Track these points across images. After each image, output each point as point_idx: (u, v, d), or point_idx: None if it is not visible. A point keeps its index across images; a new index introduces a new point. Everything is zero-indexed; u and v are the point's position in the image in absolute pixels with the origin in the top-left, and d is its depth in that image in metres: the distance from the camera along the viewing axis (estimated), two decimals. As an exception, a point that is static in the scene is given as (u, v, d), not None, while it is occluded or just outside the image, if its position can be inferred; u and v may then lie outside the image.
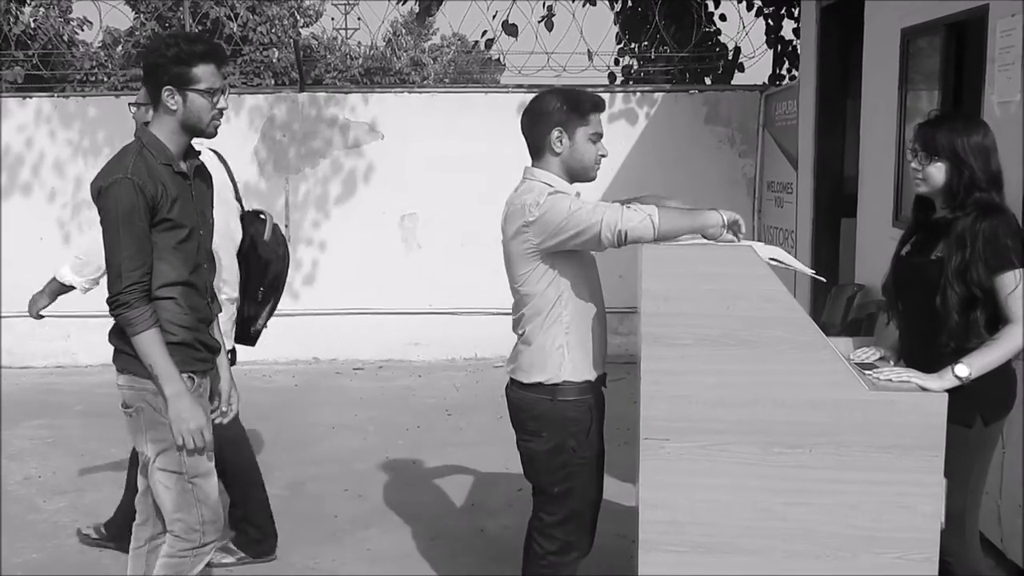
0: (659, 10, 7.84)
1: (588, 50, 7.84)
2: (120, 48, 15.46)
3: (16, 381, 6.85)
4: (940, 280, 2.64)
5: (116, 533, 3.89)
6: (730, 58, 8.53)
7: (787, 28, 8.44)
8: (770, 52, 8.48)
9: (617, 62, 8.86)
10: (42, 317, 3.81)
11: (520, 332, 2.80)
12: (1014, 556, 3.58)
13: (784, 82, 8.25)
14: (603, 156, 2.77)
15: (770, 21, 8.43)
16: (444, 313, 7.47)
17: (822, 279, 3.74)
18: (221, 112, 2.70)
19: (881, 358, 2.89)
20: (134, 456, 3.87)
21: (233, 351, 3.74)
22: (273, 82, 16.24)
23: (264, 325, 3.89)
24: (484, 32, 8.20)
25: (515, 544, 3.20)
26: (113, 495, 4.02)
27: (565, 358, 2.72)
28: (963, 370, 2.52)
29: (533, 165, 2.80)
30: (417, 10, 8.22)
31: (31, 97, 7.49)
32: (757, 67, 9.32)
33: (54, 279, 3.77)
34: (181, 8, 10.05)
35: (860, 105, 5.36)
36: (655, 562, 2.51)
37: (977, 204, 2.64)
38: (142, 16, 15.47)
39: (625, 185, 6.50)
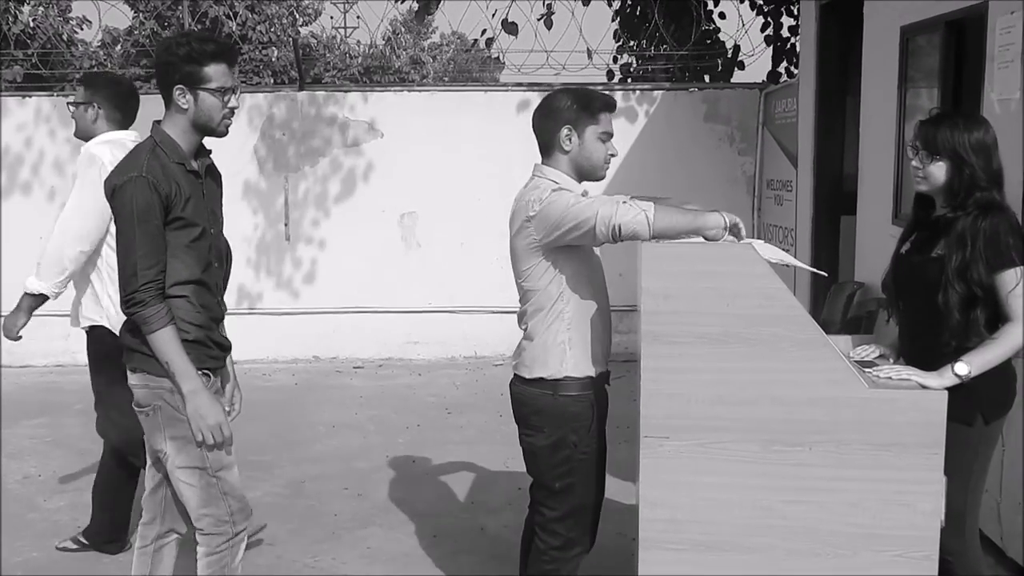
0: (658, 8, 7.84)
1: (587, 48, 7.85)
2: (119, 47, 15.46)
3: (16, 380, 6.85)
4: (940, 278, 2.64)
5: (96, 540, 3.91)
6: (729, 56, 8.53)
7: (785, 26, 8.43)
8: (769, 50, 8.48)
9: (616, 60, 8.86)
10: (20, 338, 3.72)
11: (524, 327, 2.82)
12: (1014, 554, 3.58)
13: (783, 80, 8.25)
14: (612, 156, 2.78)
15: (769, 19, 8.43)
16: (444, 311, 7.47)
17: (823, 274, 3.75)
18: (232, 111, 2.70)
19: (881, 356, 2.89)
20: (103, 462, 3.89)
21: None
22: (272, 81, 16.23)
23: None
24: (483, 31, 8.21)
25: (515, 542, 3.20)
26: (113, 494, 4.01)
27: (567, 354, 2.73)
28: (963, 368, 2.52)
29: (542, 163, 2.81)
30: (416, 8, 8.22)
31: (30, 96, 7.49)
32: (756, 65, 9.33)
33: (25, 294, 3.67)
34: (180, 7, 10.04)
35: (860, 103, 5.36)
36: (655, 560, 2.51)
37: (978, 203, 2.64)
38: (141, 15, 15.45)
39: (625, 184, 6.50)
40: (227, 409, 2.96)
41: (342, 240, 7.48)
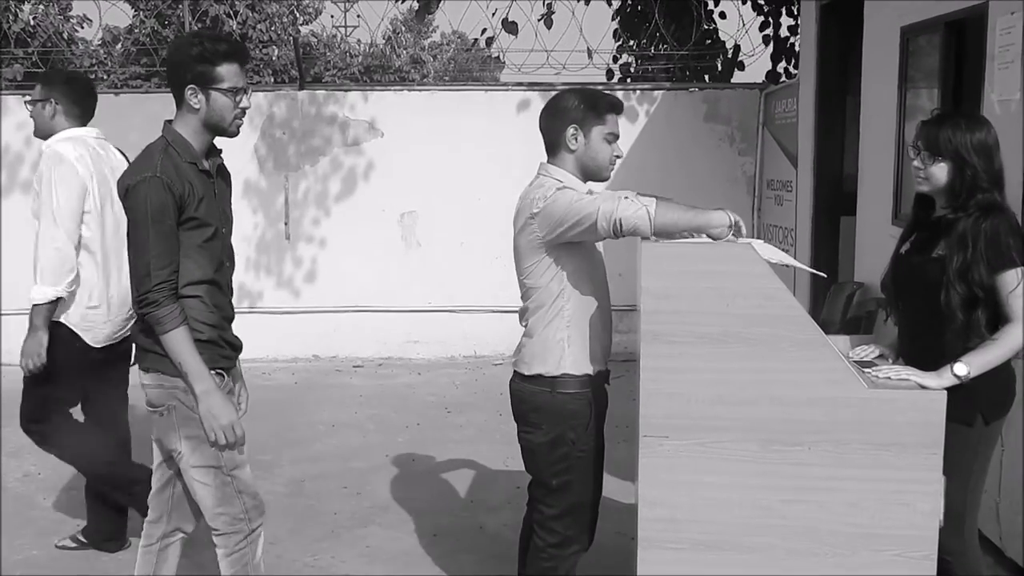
0: (658, 8, 7.84)
1: (588, 48, 7.85)
2: (119, 46, 15.44)
3: (16, 378, 6.83)
4: (940, 279, 2.64)
5: (95, 538, 3.91)
6: (730, 56, 8.53)
7: (785, 26, 8.43)
8: (770, 50, 8.48)
9: (616, 59, 8.86)
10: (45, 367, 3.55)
11: (524, 324, 2.84)
12: (1013, 554, 3.59)
13: (781, 80, 8.25)
14: (618, 157, 2.79)
15: (769, 19, 8.43)
16: (444, 311, 7.48)
17: (823, 275, 3.76)
18: (244, 111, 2.70)
19: (880, 356, 2.89)
20: (94, 462, 3.86)
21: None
22: (272, 80, 16.22)
23: None
24: (484, 30, 8.21)
25: (515, 541, 3.20)
26: (113, 492, 4.02)
27: (566, 351, 2.74)
28: (962, 369, 2.52)
29: (548, 161, 2.82)
30: (416, 7, 8.22)
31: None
32: (757, 65, 9.32)
33: (35, 307, 3.51)
34: (180, 6, 10.04)
35: (860, 103, 5.36)
36: (654, 560, 2.52)
37: (979, 204, 2.63)
38: (141, 14, 15.42)
39: (624, 184, 6.43)
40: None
41: (342, 239, 7.48)
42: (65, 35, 13.26)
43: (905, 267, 2.84)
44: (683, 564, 2.50)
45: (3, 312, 7.03)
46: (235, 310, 2.87)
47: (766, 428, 2.43)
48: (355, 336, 7.48)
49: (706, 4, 8.41)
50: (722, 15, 8.66)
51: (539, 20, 7.97)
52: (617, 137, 2.78)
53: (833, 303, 5.24)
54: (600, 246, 2.84)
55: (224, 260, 2.76)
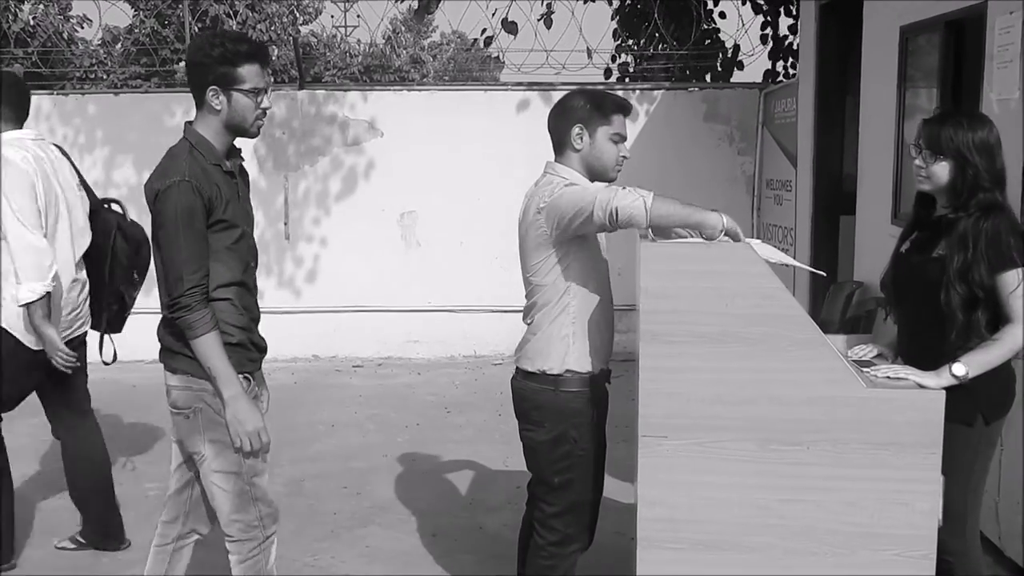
0: (658, 8, 7.84)
1: (587, 48, 7.85)
2: (119, 46, 15.45)
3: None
4: (940, 278, 2.63)
5: (92, 538, 3.92)
6: (729, 56, 8.53)
7: (783, 25, 8.44)
8: (768, 49, 8.48)
9: (614, 59, 8.86)
10: (75, 356, 3.53)
11: (528, 321, 2.84)
12: (1012, 554, 3.59)
13: (779, 79, 8.26)
14: (625, 158, 2.79)
15: (768, 18, 8.43)
16: (443, 311, 7.48)
17: (822, 273, 3.76)
18: (265, 112, 2.69)
19: (878, 355, 2.89)
20: (65, 467, 3.88)
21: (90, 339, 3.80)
22: (272, 79, 16.21)
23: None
24: (484, 30, 8.21)
25: (514, 540, 3.21)
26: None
27: (570, 348, 2.75)
28: (960, 369, 2.52)
29: (555, 160, 2.83)
30: (416, 7, 8.22)
31: (30, 94, 7.47)
32: (756, 65, 9.32)
33: (29, 308, 3.40)
34: (180, 5, 10.04)
35: (859, 103, 5.36)
36: (654, 560, 2.52)
37: (980, 204, 2.62)
38: (141, 13, 15.43)
39: (623, 182, 6.49)
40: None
41: (342, 239, 7.48)
42: (65, 35, 13.27)
43: (905, 266, 2.83)
44: (682, 564, 2.50)
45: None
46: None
47: (765, 428, 2.43)
48: (355, 336, 7.49)
49: (706, 4, 8.41)
50: (722, 15, 8.66)
51: (539, 20, 7.98)
52: (624, 138, 2.79)
53: (832, 303, 5.24)
54: (603, 244, 2.84)
55: (250, 260, 2.76)
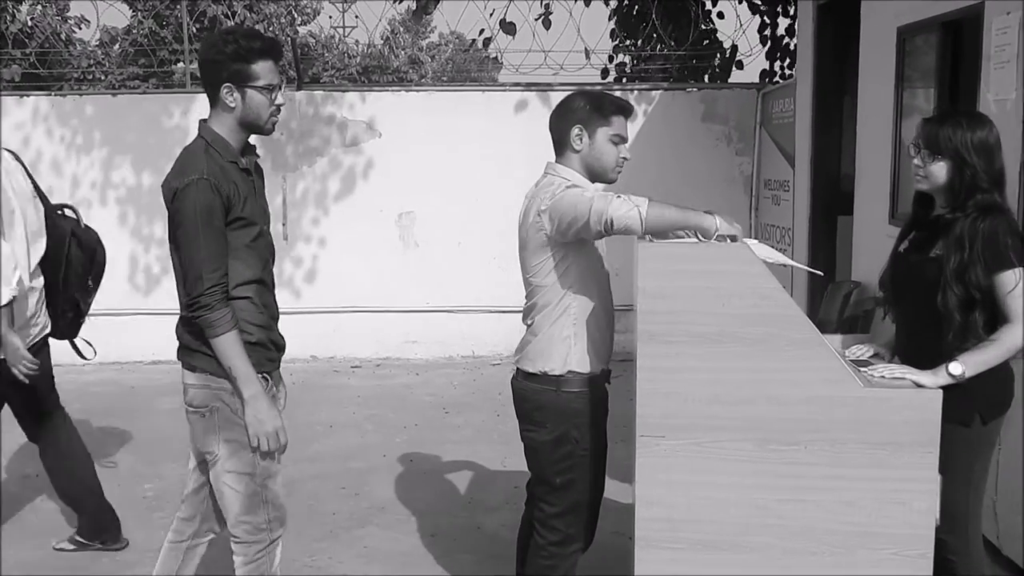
0: (656, 8, 7.84)
1: (585, 48, 7.85)
2: (117, 47, 15.44)
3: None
4: (937, 278, 2.63)
5: (90, 536, 3.91)
6: (727, 56, 8.54)
7: (781, 26, 8.44)
8: (765, 49, 8.49)
9: (611, 59, 8.87)
10: (36, 363, 3.51)
11: (529, 322, 2.85)
12: (1009, 553, 3.59)
13: (776, 79, 8.26)
14: (625, 159, 2.80)
15: (766, 19, 8.44)
16: (442, 311, 7.48)
17: (819, 273, 3.76)
18: (279, 108, 2.68)
19: (875, 355, 2.89)
20: (45, 467, 3.88)
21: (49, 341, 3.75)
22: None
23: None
24: (482, 30, 8.21)
25: (513, 541, 3.21)
26: (109, 493, 4.02)
27: (571, 349, 2.75)
28: (957, 368, 2.52)
29: (556, 161, 2.84)
30: (414, 8, 8.22)
31: (28, 95, 7.49)
32: (754, 65, 9.33)
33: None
34: (179, 6, 10.03)
35: (857, 103, 5.37)
36: (652, 559, 2.52)
37: (978, 205, 2.61)
38: (139, 14, 15.42)
39: (622, 182, 6.50)
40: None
41: (340, 240, 7.48)
42: (63, 36, 13.26)
43: (904, 265, 2.83)
44: (680, 564, 2.50)
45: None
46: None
47: (763, 427, 2.43)
48: (353, 336, 7.48)
49: (704, 4, 8.42)
50: (720, 15, 8.67)
51: (536, 20, 7.98)
52: (624, 139, 2.79)
53: (830, 302, 5.25)
54: (602, 245, 2.85)
55: (268, 258, 2.75)
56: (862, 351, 2.91)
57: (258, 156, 2.81)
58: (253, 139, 2.79)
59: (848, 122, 5.70)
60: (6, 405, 3.77)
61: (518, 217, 2.86)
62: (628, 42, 8.91)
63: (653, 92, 7.53)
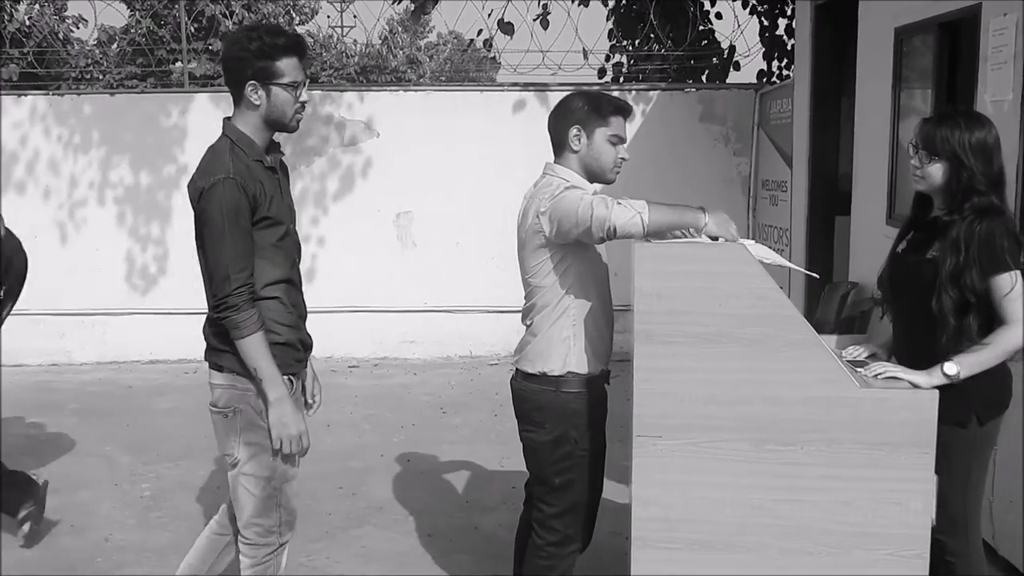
0: (654, 8, 7.84)
1: (583, 48, 7.86)
2: (115, 46, 15.42)
3: (11, 379, 6.84)
4: (934, 279, 2.62)
5: (14, 508, 3.87)
6: (725, 56, 8.54)
7: (780, 26, 8.45)
8: (764, 50, 8.50)
9: (608, 59, 8.87)
10: None
11: (528, 323, 2.85)
12: (1006, 553, 3.60)
13: (773, 80, 8.27)
14: (623, 159, 2.80)
15: (763, 19, 8.45)
16: (439, 311, 7.48)
17: (815, 275, 3.76)
18: (303, 105, 2.64)
19: (872, 355, 2.89)
20: None
21: None
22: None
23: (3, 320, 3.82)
24: (480, 30, 8.22)
25: (510, 541, 3.21)
26: (109, 493, 4.02)
27: (570, 350, 2.76)
28: (952, 368, 2.52)
29: (554, 161, 2.84)
30: (412, 7, 8.22)
31: (26, 95, 7.48)
32: (752, 65, 9.33)
33: None
34: (177, 6, 10.02)
35: (854, 104, 5.37)
36: (648, 559, 2.52)
37: (975, 208, 2.60)
38: (137, 14, 15.41)
39: (620, 182, 6.50)
40: (310, 402, 2.98)
41: (338, 240, 7.48)
42: (61, 35, 13.24)
43: (901, 266, 2.83)
44: (677, 564, 2.50)
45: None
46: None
47: (759, 428, 2.44)
48: (351, 336, 7.48)
49: (701, 4, 8.42)
50: (718, 15, 8.67)
51: (535, 20, 7.99)
52: (622, 140, 2.80)
53: (827, 303, 5.25)
54: (601, 246, 2.85)
55: (295, 257, 2.74)
56: (859, 351, 2.91)
57: (283, 154, 2.78)
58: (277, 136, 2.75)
59: (846, 122, 5.71)
60: None
61: (517, 217, 2.86)
62: (626, 42, 8.91)
63: (651, 92, 7.53)
